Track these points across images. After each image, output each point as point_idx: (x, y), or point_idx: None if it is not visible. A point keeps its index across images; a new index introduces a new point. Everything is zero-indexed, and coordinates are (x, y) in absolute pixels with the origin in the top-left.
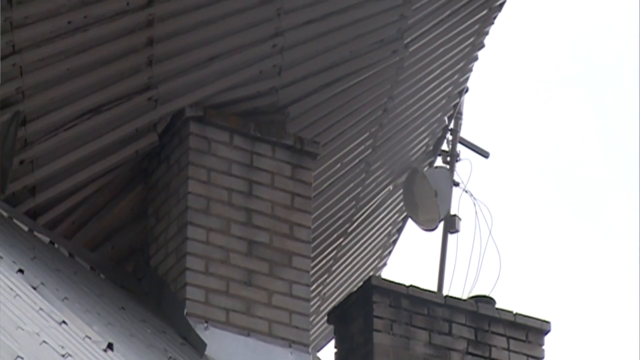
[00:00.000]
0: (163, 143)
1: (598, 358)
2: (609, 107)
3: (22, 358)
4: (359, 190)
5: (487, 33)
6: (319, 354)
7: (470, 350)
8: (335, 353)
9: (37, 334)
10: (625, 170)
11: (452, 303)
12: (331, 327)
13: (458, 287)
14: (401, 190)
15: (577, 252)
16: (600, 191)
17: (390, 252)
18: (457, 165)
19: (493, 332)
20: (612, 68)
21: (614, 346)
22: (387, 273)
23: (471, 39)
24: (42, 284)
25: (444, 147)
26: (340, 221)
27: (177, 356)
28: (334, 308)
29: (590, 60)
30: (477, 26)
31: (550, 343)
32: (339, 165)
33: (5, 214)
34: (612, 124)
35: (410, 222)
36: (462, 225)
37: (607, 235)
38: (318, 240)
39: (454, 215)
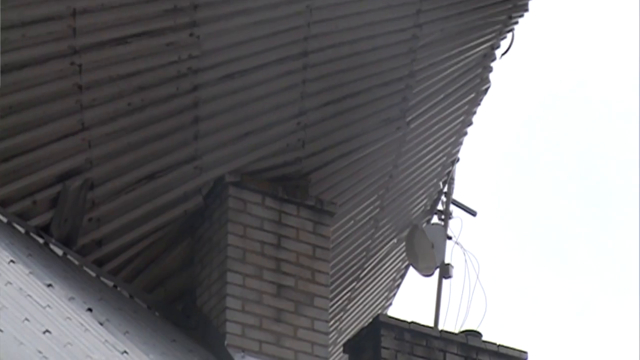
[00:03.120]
0: (207, 204)
1: None
2: (586, 171)
3: None
4: (368, 242)
5: (475, 112)
6: None
7: None
8: None
9: None
10: (590, 224)
11: (446, 336)
12: (346, 356)
13: (451, 323)
14: (404, 243)
15: (549, 293)
16: (561, 237)
17: (395, 294)
18: (450, 222)
19: None
20: (594, 134)
21: None
22: (392, 311)
23: (461, 118)
24: (108, 320)
25: (439, 207)
26: (354, 268)
27: None
28: (349, 340)
29: (569, 128)
30: (466, 107)
31: None
32: (352, 222)
33: (76, 263)
34: (588, 185)
35: (411, 269)
36: (454, 272)
37: (572, 278)
38: (335, 284)
39: (448, 264)
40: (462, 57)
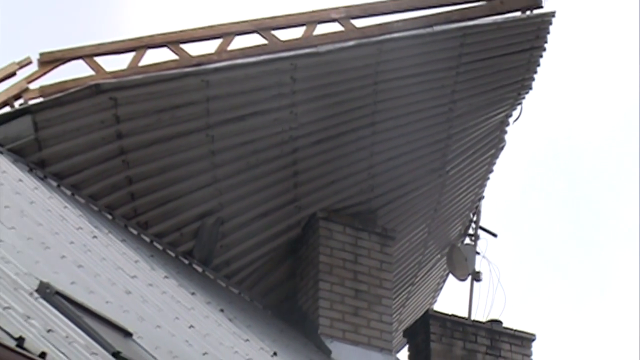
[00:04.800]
0: (304, 232)
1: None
2: (576, 202)
3: None
4: (420, 258)
5: (495, 163)
6: (398, 355)
7: (488, 352)
8: (408, 355)
9: (232, 347)
10: (578, 242)
11: (476, 324)
12: (405, 339)
13: (480, 314)
14: (445, 258)
15: (550, 292)
16: (558, 251)
17: (439, 294)
18: (478, 242)
19: (502, 341)
20: (583, 175)
21: (581, 352)
22: (437, 306)
23: (485, 167)
24: (235, 317)
25: (470, 231)
26: (409, 276)
27: (316, 358)
28: (407, 328)
29: (563, 171)
30: (488, 159)
31: (536, 347)
32: (408, 243)
33: (212, 277)
34: (577, 213)
35: (450, 276)
36: (482, 277)
37: (566, 281)
38: (396, 288)
39: (478, 272)
40: (485, 123)
